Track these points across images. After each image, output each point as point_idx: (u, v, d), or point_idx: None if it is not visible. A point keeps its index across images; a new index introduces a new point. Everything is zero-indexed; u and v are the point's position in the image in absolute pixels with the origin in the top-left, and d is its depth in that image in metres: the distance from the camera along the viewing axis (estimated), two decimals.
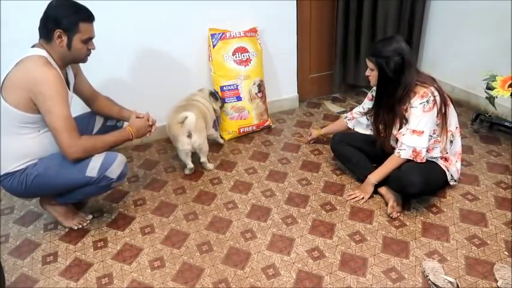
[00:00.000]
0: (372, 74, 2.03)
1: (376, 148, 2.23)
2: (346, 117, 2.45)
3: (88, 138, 1.92)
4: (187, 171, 2.51)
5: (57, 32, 1.75)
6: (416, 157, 1.99)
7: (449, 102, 2.01)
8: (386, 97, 2.03)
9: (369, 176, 2.18)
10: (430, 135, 2.00)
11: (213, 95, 2.71)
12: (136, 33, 2.55)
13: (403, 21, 3.20)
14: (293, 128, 3.01)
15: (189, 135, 2.34)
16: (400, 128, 2.04)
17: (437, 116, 1.97)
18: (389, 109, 2.04)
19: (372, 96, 2.21)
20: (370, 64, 2.01)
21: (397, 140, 2.07)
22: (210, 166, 2.54)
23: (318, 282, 1.74)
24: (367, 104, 2.28)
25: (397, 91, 1.97)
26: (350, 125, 2.42)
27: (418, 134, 1.96)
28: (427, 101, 1.93)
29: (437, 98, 1.94)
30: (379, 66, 1.96)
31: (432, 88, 1.95)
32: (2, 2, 2.20)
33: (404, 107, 2.01)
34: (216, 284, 1.76)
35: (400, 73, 1.94)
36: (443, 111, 1.98)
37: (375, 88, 2.13)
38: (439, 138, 2.04)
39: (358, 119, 2.37)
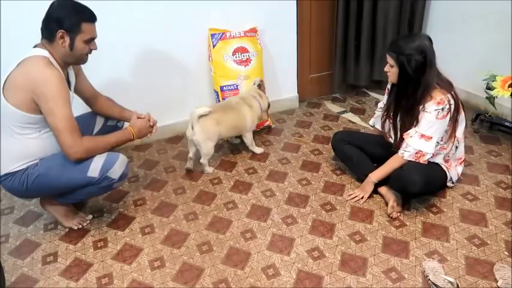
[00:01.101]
0: (391, 70, 1.97)
1: (379, 148, 2.22)
2: (373, 122, 2.42)
3: (90, 138, 1.93)
4: (187, 164, 2.52)
5: (60, 33, 1.76)
6: (420, 158, 1.98)
7: (461, 110, 1.99)
8: (406, 97, 1.97)
9: (369, 174, 2.18)
10: (437, 142, 1.98)
11: (259, 86, 2.74)
12: (136, 33, 2.55)
13: (403, 21, 3.20)
14: (293, 128, 3.01)
15: (193, 127, 2.37)
16: (409, 128, 2.01)
17: (448, 124, 1.95)
18: (409, 110, 1.99)
19: (388, 89, 2.17)
20: (390, 60, 1.95)
21: (402, 140, 2.06)
22: (208, 169, 2.52)
23: (318, 282, 1.74)
24: (386, 99, 2.23)
25: (417, 91, 1.92)
26: (371, 122, 2.42)
27: (426, 139, 1.94)
28: (442, 109, 1.90)
29: (452, 107, 1.91)
30: (400, 64, 1.90)
31: (449, 96, 1.91)
32: (2, 2, 2.20)
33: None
34: (216, 284, 1.76)
35: (420, 73, 1.88)
36: (454, 118, 1.96)
37: (390, 83, 2.10)
38: (445, 145, 2.03)
39: (379, 115, 2.30)
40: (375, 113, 2.40)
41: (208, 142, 2.42)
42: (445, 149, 2.05)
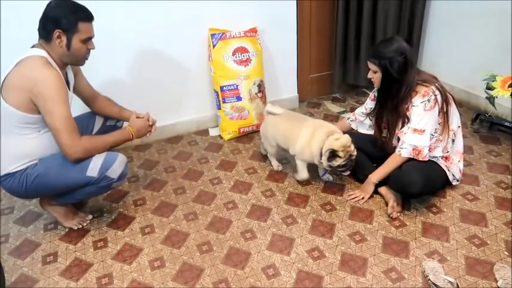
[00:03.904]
0: (375, 76, 2.03)
1: (377, 148, 2.23)
2: (349, 118, 2.44)
3: (88, 138, 1.93)
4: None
5: (57, 32, 1.75)
6: (418, 155, 1.99)
7: (451, 101, 2.01)
8: (391, 98, 2.02)
9: (369, 175, 2.18)
10: (432, 134, 2.00)
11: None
12: (136, 33, 2.55)
13: (403, 21, 3.20)
14: None
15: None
16: (402, 127, 2.04)
17: (438, 115, 1.97)
18: (393, 109, 2.04)
19: (374, 96, 2.21)
20: (372, 66, 2.00)
21: (398, 139, 2.07)
22: (274, 165, 2.51)
23: (318, 282, 1.74)
24: (370, 104, 2.27)
25: (400, 91, 1.97)
26: (353, 126, 2.42)
27: (419, 133, 1.96)
28: (428, 100, 1.93)
29: (439, 97, 1.94)
30: (383, 68, 1.95)
31: (433, 87, 1.95)
32: (2, 2, 2.20)
33: (406, 106, 2.01)
34: (216, 284, 1.76)
35: (403, 72, 1.94)
36: (444, 110, 1.98)
37: (377, 88, 2.13)
38: (440, 137, 2.04)
39: (361, 119, 2.36)
40: (355, 117, 2.40)
41: (264, 138, 2.46)
42: (441, 141, 2.05)
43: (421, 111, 1.95)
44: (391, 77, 1.96)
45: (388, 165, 2.10)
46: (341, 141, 2.07)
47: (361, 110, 2.35)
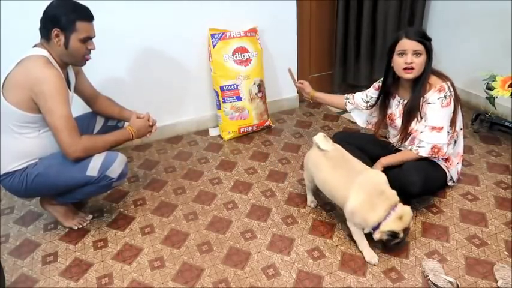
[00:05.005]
0: (417, 60, 1.85)
1: (377, 148, 2.22)
2: (348, 99, 2.35)
3: (88, 137, 1.93)
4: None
5: (55, 31, 1.76)
6: (438, 153, 1.94)
7: (459, 101, 1.99)
8: (424, 86, 1.91)
9: (381, 158, 2.10)
10: (448, 131, 1.95)
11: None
12: (136, 33, 2.55)
13: (403, 21, 3.20)
14: (293, 128, 3.00)
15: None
16: (412, 120, 1.98)
17: (452, 111, 1.94)
18: (417, 100, 1.94)
19: (379, 86, 2.15)
20: (419, 46, 1.83)
21: (406, 139, 2.04)
22: (308, 199, 2.18)
23: (318, 282, 1.74)
24: (372, 93, 2.22)
25: (429, 78, 1.92)
26: (348, 107, 2.35)
27: (438, 130, 1.91)
28: (445, 96, 1.89)
29: (453, 94, 1.92)
30: (429, 50, 1.87)
31: (448, 83, 1.92)
32: (2, 2, 2.20)
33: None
34: (216, 284, 1.76)
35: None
36: (455, 108, 1.95)
37: (381, 79, 2.08)
38: (454, 134, 2.01)
39: (359, 107, 2.30)
40: (354, 101, 2.32)
41: (305, 168, 2.11)
42: (453, 138, 2.01)
43: (439, 107, 1.89)
44: (431, 61, 1.89)
45: (402, 155, 2.03)
46: (405, 221, 1.76)
47: (361, 96, 2.29)
